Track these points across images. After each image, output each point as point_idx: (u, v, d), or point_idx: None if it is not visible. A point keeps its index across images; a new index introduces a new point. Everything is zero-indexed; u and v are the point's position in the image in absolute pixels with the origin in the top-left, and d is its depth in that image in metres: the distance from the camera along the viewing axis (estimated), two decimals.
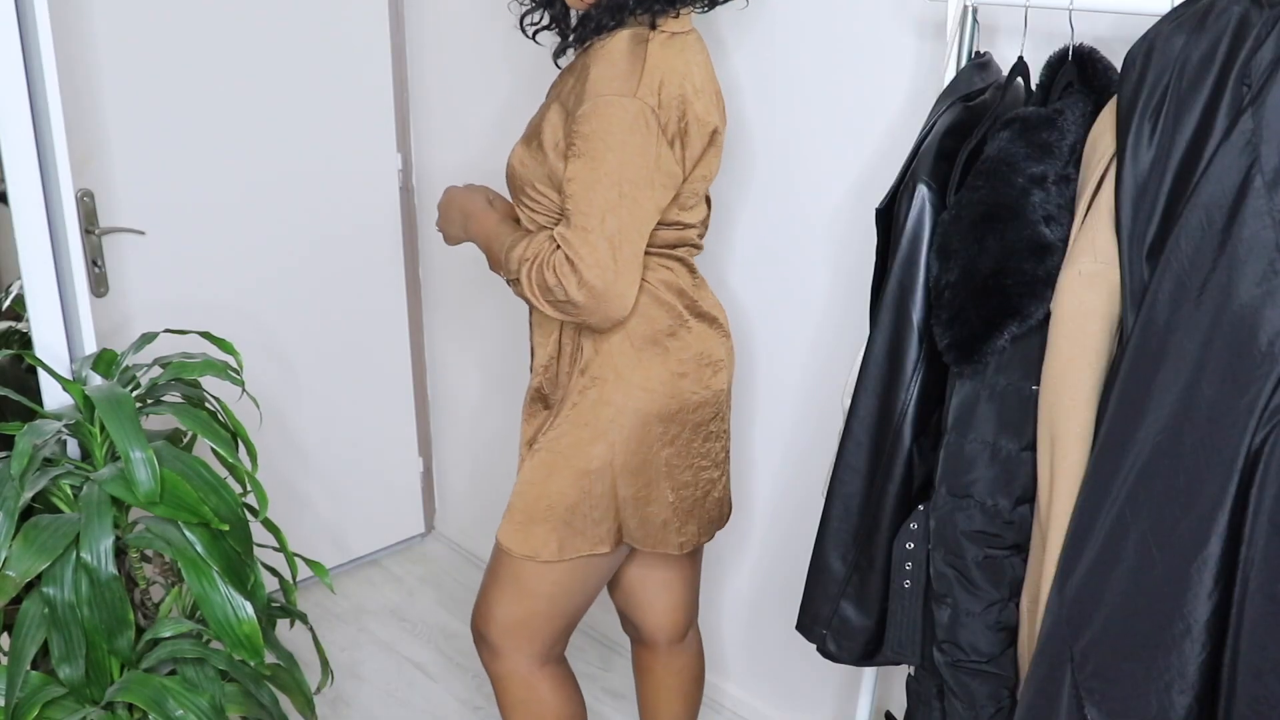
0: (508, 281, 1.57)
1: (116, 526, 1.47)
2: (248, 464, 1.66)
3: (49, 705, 1.44)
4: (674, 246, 1.60)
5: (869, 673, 1.72)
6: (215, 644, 1.54)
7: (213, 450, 1.57)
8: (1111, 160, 1.18)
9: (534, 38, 1.63)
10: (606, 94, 1.42)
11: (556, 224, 1.52)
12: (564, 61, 1.62)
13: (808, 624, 1.50)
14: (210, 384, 1.76)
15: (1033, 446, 1.27)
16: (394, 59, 2.61)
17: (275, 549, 1.69)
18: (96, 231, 2.14)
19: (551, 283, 1.45)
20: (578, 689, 1.78)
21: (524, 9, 1.61)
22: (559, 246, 1.45)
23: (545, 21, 1.61)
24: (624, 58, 1.46)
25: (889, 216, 1.38)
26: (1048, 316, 1.23)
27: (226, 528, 1.47)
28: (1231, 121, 1.05)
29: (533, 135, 1.56)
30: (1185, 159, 1.09)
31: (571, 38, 1.55)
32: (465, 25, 2.50)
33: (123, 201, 2.21)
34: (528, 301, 1.53)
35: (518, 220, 1.63)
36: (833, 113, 1.85)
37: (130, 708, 1.51)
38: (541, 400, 1.66)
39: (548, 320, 1.63)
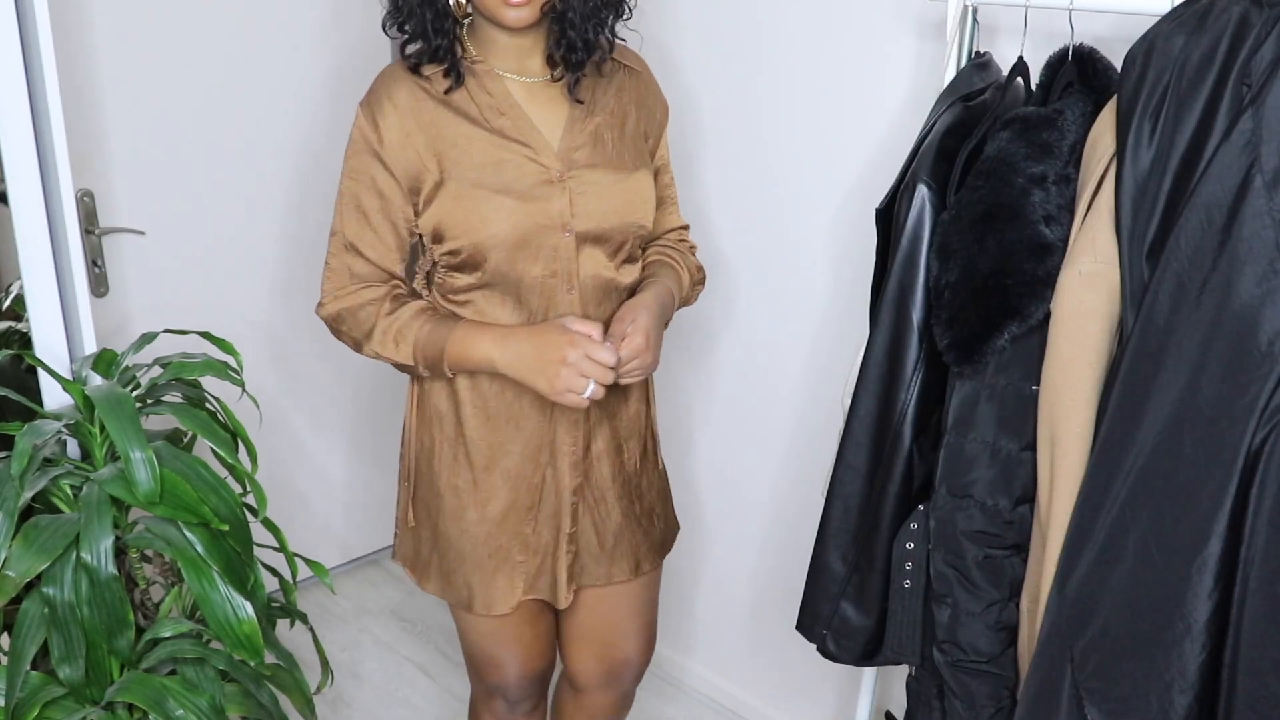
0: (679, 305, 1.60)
1: (116, 526, 1.46)
2: (248, 464, 1.66)
3: (49, 705, 1.44)
4: None
5: (869, 673, 1.72)
6: (215, 644, 1.54)
7: (212, 450, 1.57)
8: (1111, 160, 1.18)
9: (404, 49, 1.46)
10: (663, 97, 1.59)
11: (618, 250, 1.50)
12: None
13: (808, 624, 1.50)
14: (210, 384, 1.75)
15: (1033, 446, 1.27)
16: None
17: (275, 549, 1.69)
18: (96, 231, 2.14)
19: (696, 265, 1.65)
20: None
21: (385, 12, 1.44)
22: (685, 235, 1.66)
23: (409, 33, 1.41)
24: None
25: (889, 216, 1.38)
26: (1048, 316, 1.23)
27: (226, 528, 1.47)
28: (1231, 121, 1.05)
29: (636, 164, 1.49)
30: (1185, 159, 1.09)
31: (573, 72, 1.43)
32: None
33: (123, 201, 2.21)
34: (689, 302, 1.63)
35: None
36: (833, 112, 1.85)
37: (130, 708, 1.51)
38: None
39: (632, 408, 1.59)
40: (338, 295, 1.46)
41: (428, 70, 1.42)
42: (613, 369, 1.37)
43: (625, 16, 1.46)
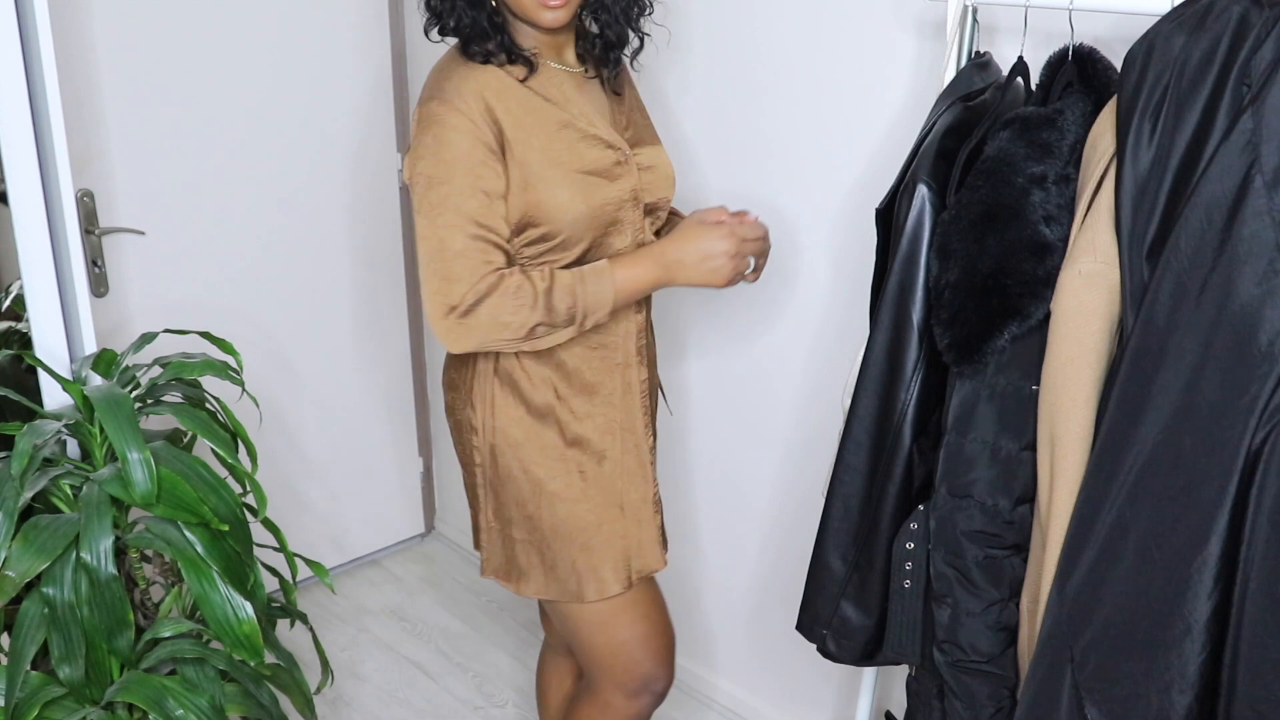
0: None
1: (116, 526, 1.46)
2: (248, 464, 1.66)
3: (49, 705, 1.44)
4: None
5: (869, 673, 1.72)
6: (215, 644, 1.54)
7: (212, 450, 1.57)
8: (1111, 160, 1.18)
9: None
10: None
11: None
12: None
13: (808, 624, 1.50)
14: (210, 384, 1.76)
15: (1033, 446, 1.27)
16: (394, 59, 2.61)
17: (275, 549, 1.70)
18: (96, 231, 2.14)
19: None
20: None
21: (425, 17, 1.47)
22: None
23: (461, 33, 1.44)
24: None
25: (889, 216, 1.38)
26: (1048, 316, 1.23)
27: (226, 528, 1.47)
28: (1231, 121, 1.05)
29: (657, 138, 1.63)
30: (1185, 159, 1.09)
31: (611, 67, 1.54)
32: None
33: (123, 201, 2.21)
34: None
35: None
36: (833, 113, 1.85)
37: (130, 708, 1.51)
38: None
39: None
40: (479, 290, 1.37)
41: (496, 62, 1.44)
42: (761, 239, 1.52)
43: (649, 11, 1.54)
